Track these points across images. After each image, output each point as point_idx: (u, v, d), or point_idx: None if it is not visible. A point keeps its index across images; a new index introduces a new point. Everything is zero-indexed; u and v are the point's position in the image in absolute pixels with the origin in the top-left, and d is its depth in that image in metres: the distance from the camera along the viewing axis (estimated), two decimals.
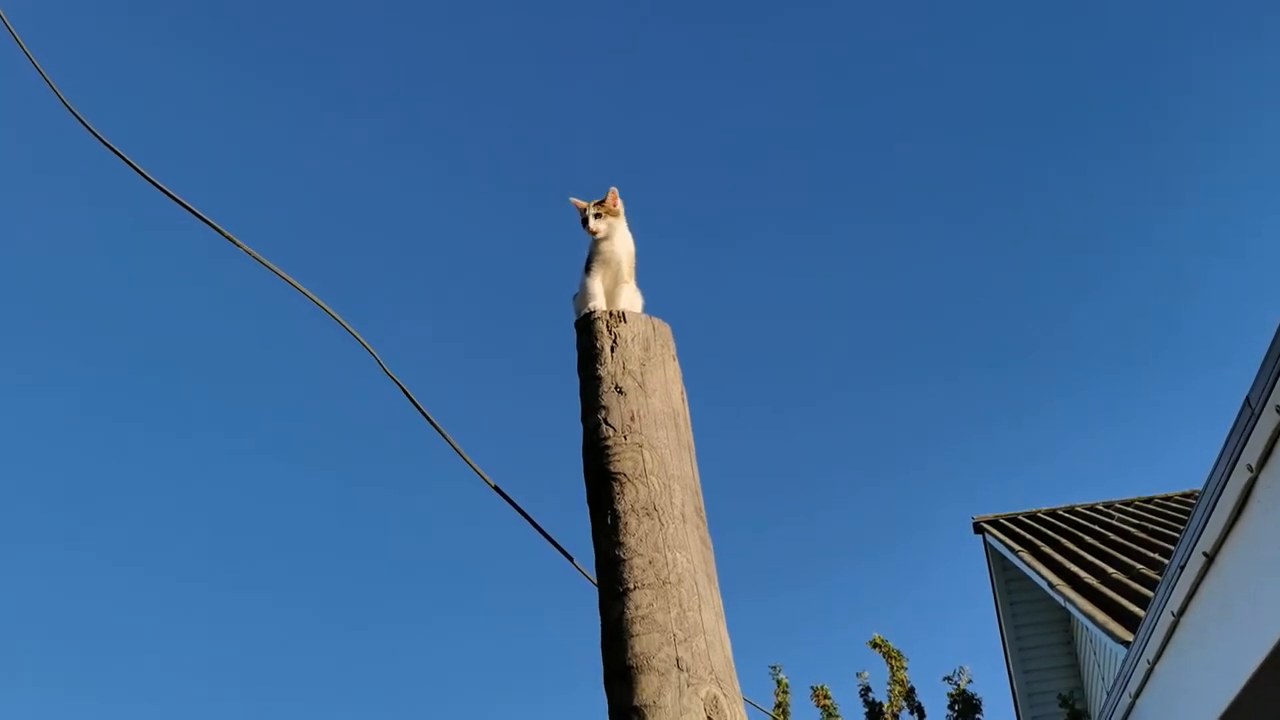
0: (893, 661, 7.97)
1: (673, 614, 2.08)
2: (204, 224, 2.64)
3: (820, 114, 18.84)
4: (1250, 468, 1.70)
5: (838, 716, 7.51)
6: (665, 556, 2.15)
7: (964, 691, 7.48)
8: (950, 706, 7.44)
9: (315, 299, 2.62)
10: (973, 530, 9.93)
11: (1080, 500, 10.43)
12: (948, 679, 7.68)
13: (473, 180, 18.44)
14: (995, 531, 9.42)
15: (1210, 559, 1.95)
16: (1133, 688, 2.91)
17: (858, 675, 7.95)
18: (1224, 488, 1.78)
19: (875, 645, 8.10)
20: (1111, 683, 3.94)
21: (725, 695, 2.03)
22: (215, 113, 16.78)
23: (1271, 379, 1.55)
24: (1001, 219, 19.16)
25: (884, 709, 7.69)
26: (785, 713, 7.78)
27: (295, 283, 2.56)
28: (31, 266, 17.13)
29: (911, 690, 7.80)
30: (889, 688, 7.83)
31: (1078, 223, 19.10)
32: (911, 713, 7.65)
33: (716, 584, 2.25)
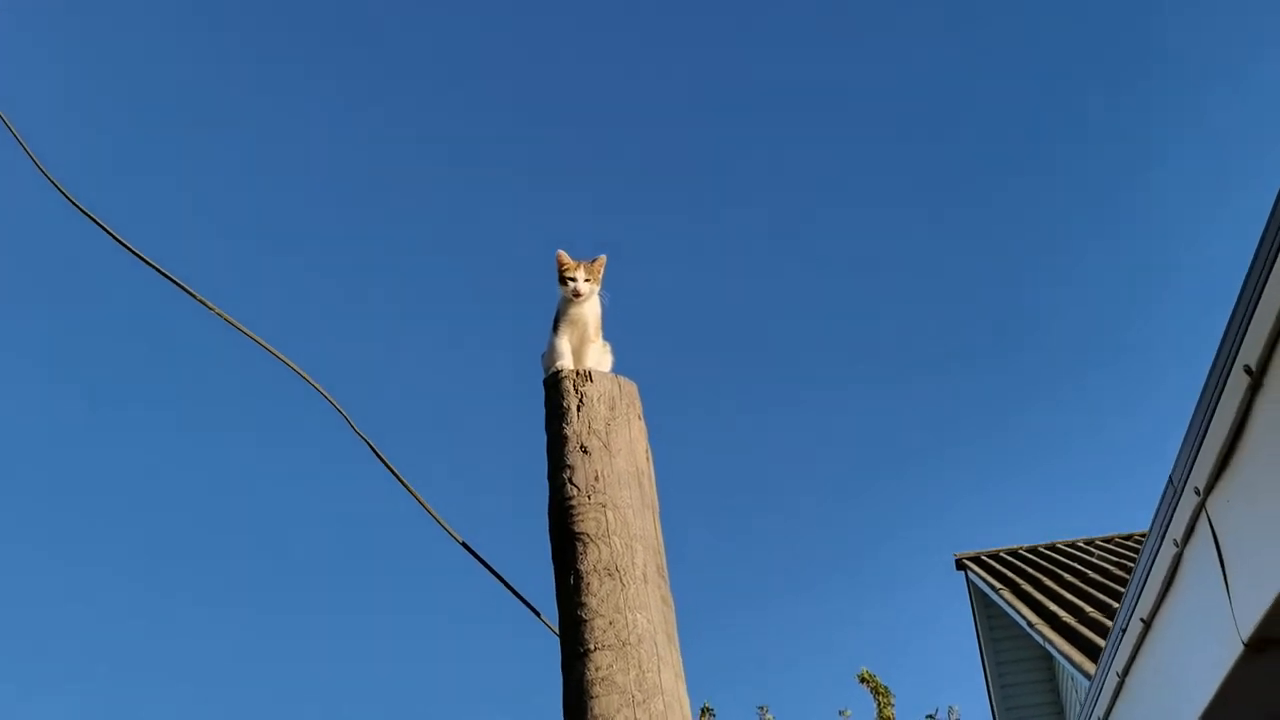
0: (880, 698, 8.01)
1: (632, 675, 2.13)
2: (166, 279, 2.69)
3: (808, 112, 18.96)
4: (1176, 543, 1.78)
5: None
6: (626, 617, 2.20)
7: None
8: None
9: (286, 360, 2.68)
10: (955, 567, 9.97)
11: (1062, 537, 10.48)
12: (930, 717, 7.70)
13: (440, 222, 18.55)
14: (977, 569, 9.46)
15: (1147, 625, 2.02)
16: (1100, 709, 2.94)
17: (840, 714, 7.97)
18: (1154, 562, 1.87)
19: (863, 680, 8.14)
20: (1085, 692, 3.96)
21: None
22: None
23: (1190, 459, 1.63)
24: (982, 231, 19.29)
25: None
26: None
27: (266, 344, 2.62)
28: None
29: None
30: None
31: (1050, 231, 19.22)
32: None
33: (676, 643, 2.30)
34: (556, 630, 2.36)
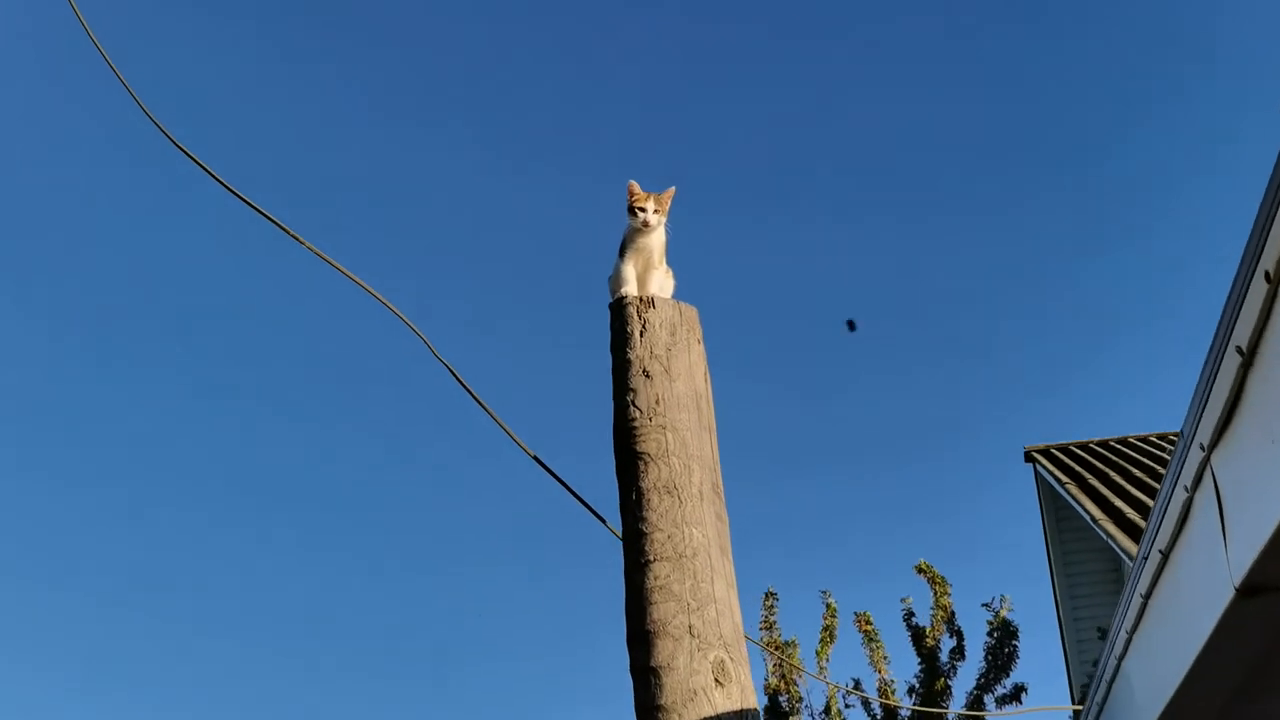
0: (936, 587, 8.22)
1: (687, 585, 2.33)
2: (261, 216, 2.88)
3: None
4: (1186, 488, 1.89)
5: (879, 641, 7.81)
6: (683, 532, 2.39)
7: (1003, 619, 7.71)
8: (989, 634, 7.68)
9: (368, 288, 2.86)
10: (1024, 459, 10.04)
11: (1135, 431, 10.46)
12: (985, 605, 7.91)
13: (510, 154, 18.55)
14: (1045, 461, 9.52)
15: (1165, 556, 2.15)
16: (1129, 624, 3.07)
17: (901, 600, 8.21)
18: (1169, 503, 1.99)
19: (920, 570, 8.36)
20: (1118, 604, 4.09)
21: (732, 659, 2.29)
22: (255, 93, 17.00)
23: (1196, 418, 1.73)
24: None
25: (926, 633, 7.97)
26: (833, 635, 8.10)
27: (350, 273, 2.80)
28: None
29: (953, 615, 8.05)
30: (932, 613, 8.09)
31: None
32: (951, 637, 7.92)
33: (730, 556, 2.49)
34: (620, 537, 2.57)
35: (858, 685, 7.93)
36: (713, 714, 2.20)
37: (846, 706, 7.96)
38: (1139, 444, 10.00)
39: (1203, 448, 1.70)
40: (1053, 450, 9.94)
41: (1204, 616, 1.85)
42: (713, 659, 2.26)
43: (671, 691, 2.21)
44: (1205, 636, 1.86)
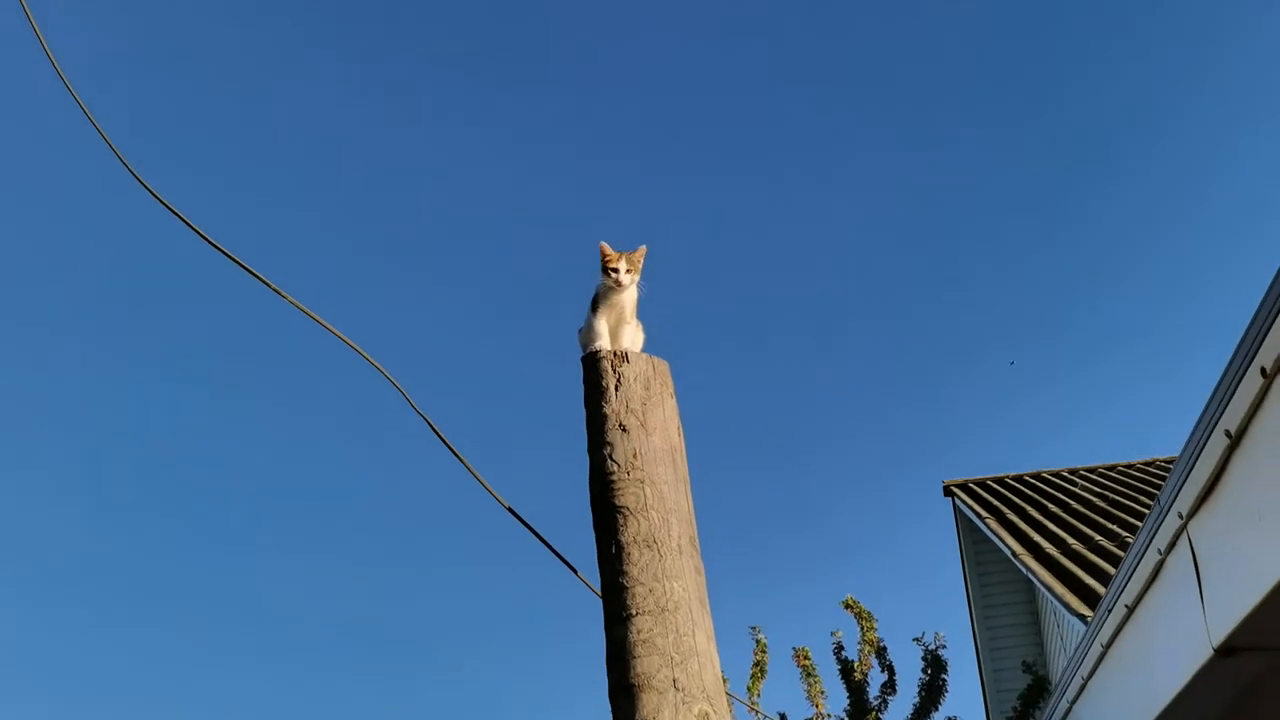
0: (863, 622, 8.36)
1: (670, 639, 2.38)
2: (238, 266, 2.87)
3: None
4: (1159, 551, 2.03)
5: (816, 677, 7.91)
6: (664, 585, 2.44)
7: (935, 654, 7.88)
8: (924, 669, 7.84)
9: (346, 339, 2.87)
10: (943, 494, 10.31)
11: (1049, 465, 10.82)
12: (917, 640, 8.06)
13: (480, 207, 18.60)
14: (964, 496, 9.80)
15: (1130, 610, 2.28)
16: (1085, 670, 3.23)
17: (832, 634, 8.33)
18: (1139, 562, 2.12)
19: (847, 606, 8.49)
20: (1071, 651, 4.28)
21: (715, 711, 2.34)
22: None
23: (1177, 488, 1.87)
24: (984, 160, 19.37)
25: (854, 667, 8.09)
26: (763, 671, 8.17)
27: (327, 325, 2.81)
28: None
29: (883, 649, 8.20)
30: (859, 647, 8.22)
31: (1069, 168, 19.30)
32: (882, 670, 8.05)
33: (708, 607, 2.55)
34: (595, 589, 2.61)
35: None
36: None
37: None
38: (1052, 479, 10.35)
39: (1180, 515, 1.83)
40: (971, 484, 10.24)
41: (1176, 670, 1.97)
42: (697, 711, 2.31)
43: None
44: (1177, 688, 1.98)
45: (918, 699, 7.71)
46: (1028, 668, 7.70)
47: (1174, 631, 1.97)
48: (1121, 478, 10.00)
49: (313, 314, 2.78)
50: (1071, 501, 9.07)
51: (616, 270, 2.86)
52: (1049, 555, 7.45)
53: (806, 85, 19.02)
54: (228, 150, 16.94)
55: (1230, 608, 1.67)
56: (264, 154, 17.69)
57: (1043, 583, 6.88)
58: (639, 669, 2.34)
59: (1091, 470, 10.47)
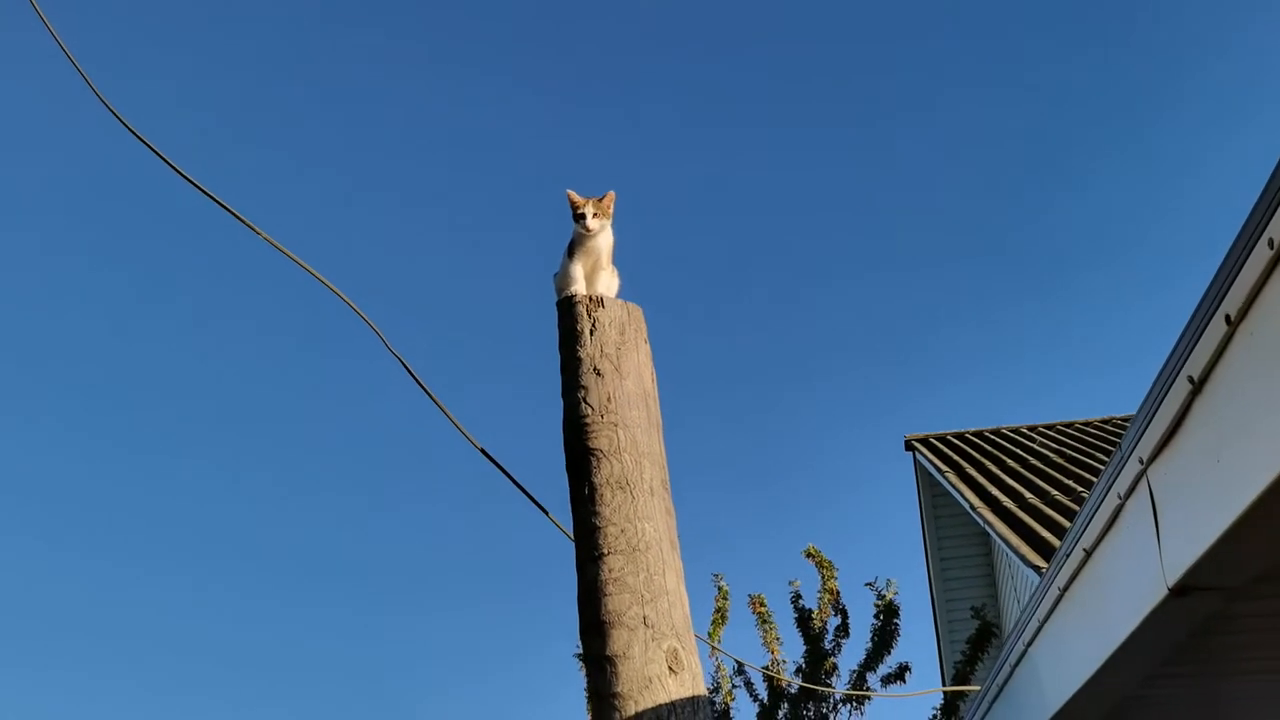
0: (824, 571, 8.51)
1: (641, 578, 2.43)
2: (218, 205, 2.85)
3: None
4: (1119, 496, 2.10)
5: (772, 623, 8.06)
6: (635, 526, 2.49)
7: (889, 601, 8.04)
8: (876, 616, 8.01)
9: (324, 280, 2.87)
10: (904, 448, 10.46)
11: (1010, 421, 11.00)
12: (869, 585, 8.24)
13: (455, 155, 18.40)
14: (925, 450, 9.94)
15: (1088, 554, 2.36)
16: (1041, 613, 3.31)
17: (790, 583, 8.48)
18: (1099, 505, 2.20)
19: (809, 555, 8.64)
20: (1026, 600, 4.40)
21: (684, 648, 2.40)
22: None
23: (1138, 435, 1.93)
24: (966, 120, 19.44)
25: (813, 615, 8.25)
26: (725, 617, 8.32)
27: (307, 265, 2.80)
28: None
29: (839, 597, 8.36)
30: (819, 595, 8.38)
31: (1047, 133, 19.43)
32: (837, 616, 8.23)
33: (678, 549, 2.59)
34: (567, 531, 2.65)
35: (740, 669, 8.16)
36: (667, 700, 2.30)
37: (733, 687, 8.19)
38: (1011, 435, 10.52)
39: (1141, 461, 1.89)
40: (931, 439, 10.38)
41: (1131, 610, 2.05)
42: (666, 648, 2.36)
43: (627, 679, 2.30)
44: (1131, 628, 2.06)
45: (870, 644, 7.89)
46: (976, 613, 7.88)
47: (1130, 574, 2.04)
48: (1079, 435, 10.19)
49: (289, 251, 2.78)
50: (1030, 457, 9.24)
51: (584, 216, 2.89)
52: (1006, 509, 7.60)
53: (781, 32, 18.93)
54: (179, 63, 16.61)
55: (1186, 549, 1.74)
56: (222, 76, 17.33)
57: (999, 535, 7.02)
58: (610, 606, 2.39)
59: (1050, 427, 10.66)
